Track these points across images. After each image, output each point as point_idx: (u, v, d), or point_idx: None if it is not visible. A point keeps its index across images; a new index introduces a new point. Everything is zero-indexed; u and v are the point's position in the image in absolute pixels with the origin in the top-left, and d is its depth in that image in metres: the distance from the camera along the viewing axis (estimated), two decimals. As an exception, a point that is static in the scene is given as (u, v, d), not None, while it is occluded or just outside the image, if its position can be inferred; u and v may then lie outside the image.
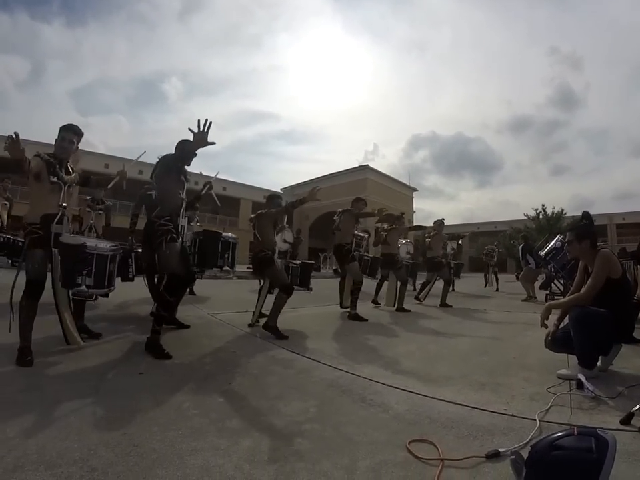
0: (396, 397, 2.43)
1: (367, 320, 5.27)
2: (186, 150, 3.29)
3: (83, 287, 2.94)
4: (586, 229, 3.12)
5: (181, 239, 3.39)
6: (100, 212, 6.47)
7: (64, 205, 3.03)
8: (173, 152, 3.47)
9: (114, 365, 2.87)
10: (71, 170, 3.18)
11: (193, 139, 2.96)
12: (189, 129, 2.92)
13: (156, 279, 3.95)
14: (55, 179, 2.98)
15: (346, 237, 5.80)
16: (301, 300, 4.36)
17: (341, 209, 6.03)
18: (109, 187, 3.68)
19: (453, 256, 10.45)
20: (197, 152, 3.23)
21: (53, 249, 2.94)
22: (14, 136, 2.49)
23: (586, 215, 3.15)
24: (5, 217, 7.33)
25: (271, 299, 4.40)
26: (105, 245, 3.13)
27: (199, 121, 2.89)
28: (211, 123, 2.92)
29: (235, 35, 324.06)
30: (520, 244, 9.94)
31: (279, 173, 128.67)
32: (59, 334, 3.17)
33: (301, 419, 2.07)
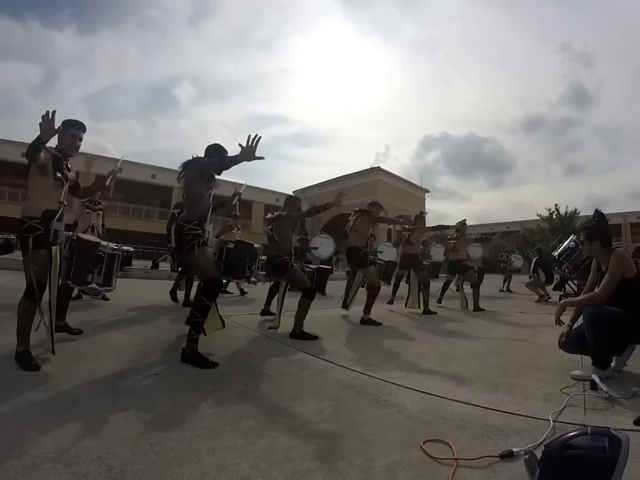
0: (410, 397, 2.44)
1: (381, 324, 5.22)
2: (227, 159, 3.18)
3: (94, 285, 2.95)
4: (596, 228, 3.14)
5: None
6: (99, 212, 6.49)
7: (65, 202, 2.96)
8: (203, 155, 3.42)
9: (130, 364, 2.89)
10: (69, 168, 3.10)
11: (241, 151, 2.90)
12: (239, 144, 2.89)
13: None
14: (59, 175, 2.90)
15: (361, 240, 5.65)
16: (315, 302, 4.36)
17: (357, 208, 5.89)
18: (106, 184, 3.61)
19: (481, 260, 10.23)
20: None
21: (52, 247, 2.83)
22: (50, 114, 2.44)
23: (598, 213, 3.15)
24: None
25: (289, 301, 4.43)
26: (112, 245, 3.15)
27: (249, 136, 2.85)
28: (260, 137, 2.88)
29: (245, 39, 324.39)
30: (534, 256, 9.81)
31: (290, 176, 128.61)
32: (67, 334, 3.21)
33: (316, 419, 2.09)
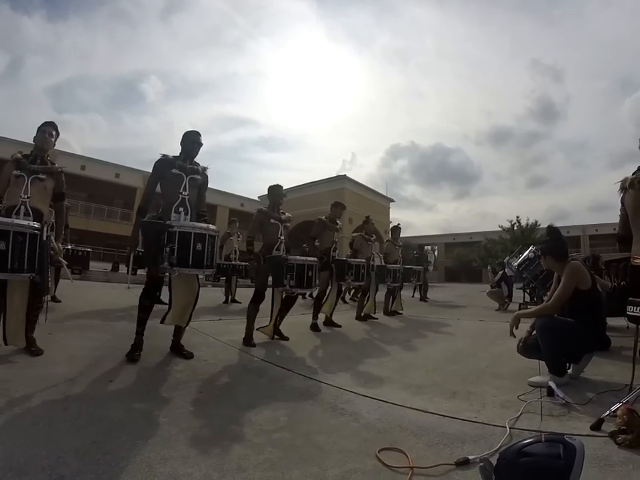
0: (367, 405, 2.42)
1: (319, 330, 5.18)
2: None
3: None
4: (547, 245, 3.26)
5: None
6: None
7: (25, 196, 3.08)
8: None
9: (84, 370, 2.81)
10: (49, 163, 3.31)
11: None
12: None
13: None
14: (18, 172, 3.10)
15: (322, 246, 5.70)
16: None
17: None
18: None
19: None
20: None
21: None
22: None
23: (549, 231, 3.25)
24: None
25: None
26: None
27: None
28: None
29: (217, 38, 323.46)
30: (499, 270, 10.05)
31: (256, 181, 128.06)
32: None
33: (271, 427, 2.05)
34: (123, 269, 11.10)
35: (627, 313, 2.33)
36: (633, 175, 2.49)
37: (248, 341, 4.09)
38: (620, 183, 2.55)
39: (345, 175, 34.48)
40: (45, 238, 2.85)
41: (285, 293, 4.38)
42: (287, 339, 4.41)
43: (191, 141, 3.43)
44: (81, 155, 28.41)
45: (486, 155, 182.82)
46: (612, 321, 4.32)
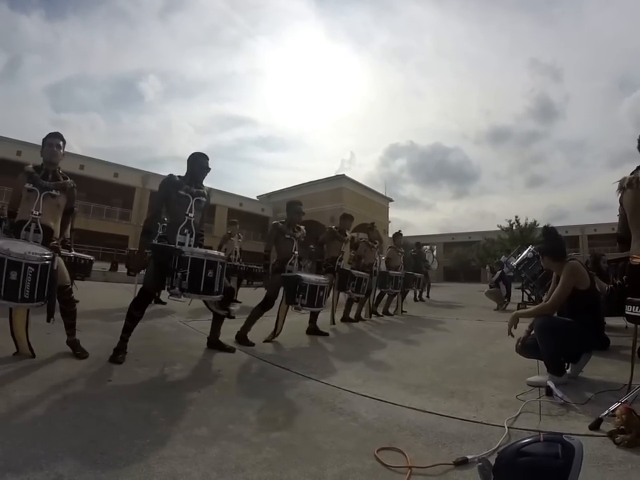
0: (365, 405, 2.42)
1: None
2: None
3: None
4: (544, 246, 3.27)
5: None
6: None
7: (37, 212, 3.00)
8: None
9: (83, 370, 2.81)
10: (61, 178, 3.22)
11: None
12: None
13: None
14: (30, 186, 3.01)
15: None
16: (274, 309, 4.31)
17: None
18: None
19: None
20: None
21: None
22: None
23: (545, 231, 3.26)
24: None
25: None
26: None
27: None
28: None
29: (215, 37, 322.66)
30: (497, 270, 10.06)
31: (255, 180, 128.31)
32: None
33: (269, 427, 2.05)
34: (121, 268, 11.07)
35: (626, 312, 2.33)
36: (631, 174, 2.49)
37: (242, 338, 4.12)
38: (618, 183, 2.55)
39: (344, 175, 34.46)
40: (55, 267, 2.82)
41: (295, 309, 4.38)
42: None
43: (200, 165, 3.48)
44: (79, 155, 28.27)
45: (485, 154, 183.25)
46: (611, 321, 4.33)
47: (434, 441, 1.92)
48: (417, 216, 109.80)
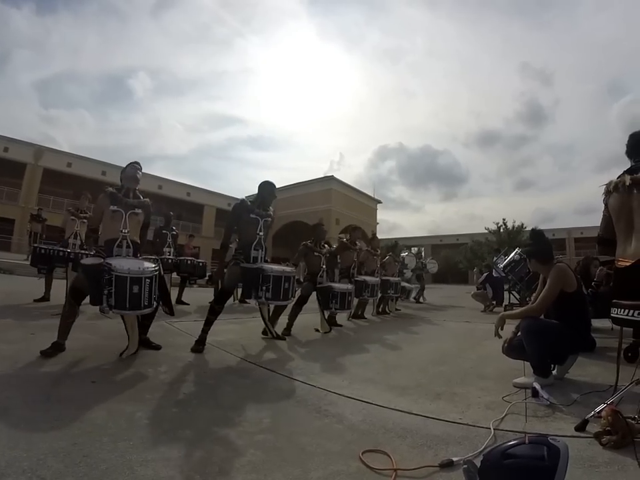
0: (351, 407, 2.40)
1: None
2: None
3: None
4: (531, 248, 3.29)
5: None
6: (84, 220, 6.48)
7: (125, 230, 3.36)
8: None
9: (66, 371, 2.78)
10: (140, 197, 3.59)
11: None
12: None
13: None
14: (115, 207, 3.35)
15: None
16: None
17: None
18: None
19: None
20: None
21: None
22: None
23: (532, 234, 3.28)
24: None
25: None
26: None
27: None
28: None
29: (207, 35, 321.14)
30: (484, 272, 10.10)
31: (243, 180, 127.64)
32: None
33: (254, 429, 2.02)
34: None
35: (611, 315, 2.34)
36: (617, 178, 2.51)
37: (288, 330, 4.93)
38: (605, 186, 2.57)
39: (333, 176, 34.60)
40: (162, 273, 3.36)
41: (329, 313, 5.45)
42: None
43: (269, 193, 4.08)
44: (67, 152, 27.99)
45: (474, 157, 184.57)
46: (597, 322, 4.36)
47: (419, 443, 1.91)
48: (406, 218, 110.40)
